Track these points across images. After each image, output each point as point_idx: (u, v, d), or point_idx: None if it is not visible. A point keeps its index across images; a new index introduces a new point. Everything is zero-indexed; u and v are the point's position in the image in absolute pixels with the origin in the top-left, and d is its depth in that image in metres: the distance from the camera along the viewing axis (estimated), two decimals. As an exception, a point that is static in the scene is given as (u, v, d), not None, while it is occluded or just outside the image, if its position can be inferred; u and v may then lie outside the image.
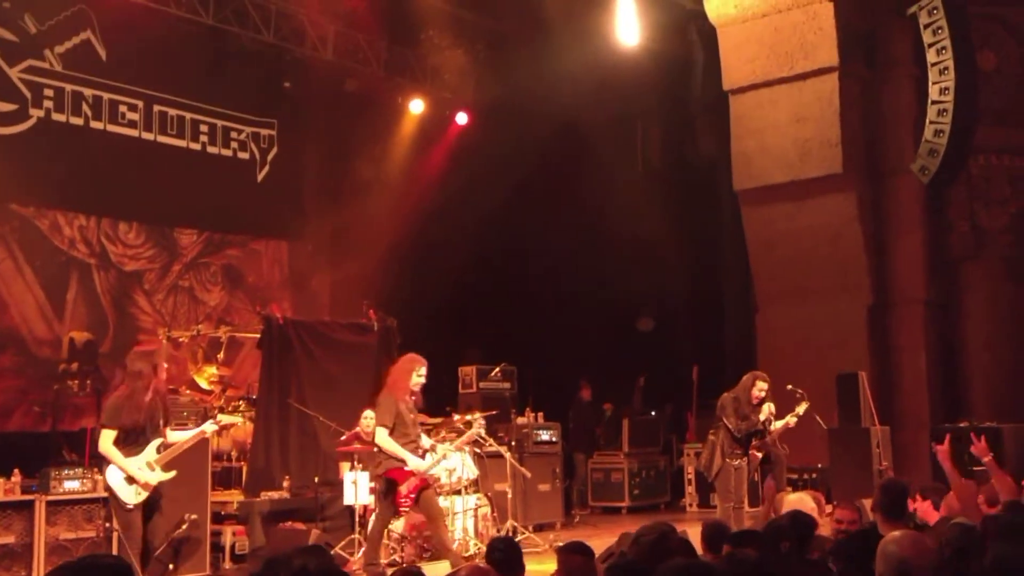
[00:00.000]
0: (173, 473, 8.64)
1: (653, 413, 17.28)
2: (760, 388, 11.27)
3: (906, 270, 15.18)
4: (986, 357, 15.15)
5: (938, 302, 15.30)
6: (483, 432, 10.99)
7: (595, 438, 16.74)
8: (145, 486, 8.37)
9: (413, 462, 9.38)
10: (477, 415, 11.38)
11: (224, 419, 9.47)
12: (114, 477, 8.39)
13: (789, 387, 11.91)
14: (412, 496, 9.40)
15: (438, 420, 12.85)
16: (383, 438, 9.44)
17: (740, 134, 15.80)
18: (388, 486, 9.45)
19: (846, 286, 15.14)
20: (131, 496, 8.36)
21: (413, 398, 9.73)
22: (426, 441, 9.99)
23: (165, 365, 8.98)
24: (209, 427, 9.15)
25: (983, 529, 5.71)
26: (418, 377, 9.67)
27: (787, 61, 15.09)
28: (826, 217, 15.16)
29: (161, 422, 8.67)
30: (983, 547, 5.27)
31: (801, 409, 11.53)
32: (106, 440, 8.38)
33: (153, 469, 8.44)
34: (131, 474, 8.34)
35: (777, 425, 11.38)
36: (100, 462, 8.68)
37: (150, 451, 8.47)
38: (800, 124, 15.11)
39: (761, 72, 15.38)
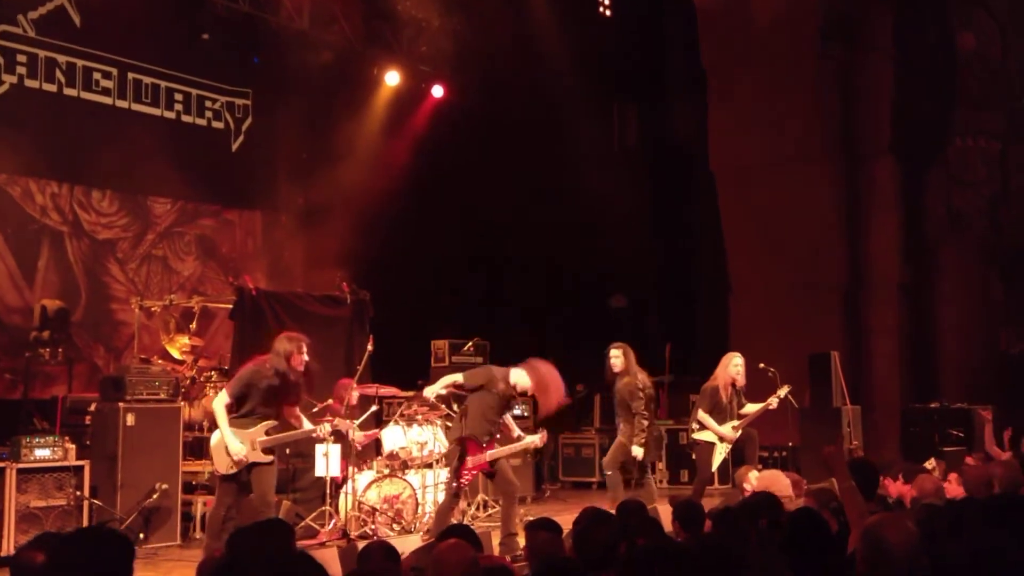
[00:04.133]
0: (271, 459, 8.56)
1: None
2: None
3: (881, 252, 15.25)
4: (959, 339, 15.25)
5: (912, 284, 15.37)
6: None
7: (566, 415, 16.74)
8: (237, 462, 8.35)
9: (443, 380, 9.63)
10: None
11: (340, 423, 9.48)
12: (214, 439, 8.51)
13: (761, 366, 11.94)
14: (475, 472, 9.36)
15: (410, 394, 12.83)
16: (448, 378, 9.70)
17: (717, 113, 15.80)
18: (459, 453, 9.37)
19: (821, 267, 15.21)
20: (223, 464, 8.41)
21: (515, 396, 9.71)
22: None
23: (305, 356, 8.67)
24: (323, 430, 9.05)
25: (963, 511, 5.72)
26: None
27: (766, 41, 15.10)
28: (802, 198, 15.20)
29: (286, 407, 8.66)
30: (958, 529, 5.31)
31: (782, 392, 11.47)
32: (218, 400, 8.49)
33: (254, 448, 8.40)
34: (227, 442, 8.33)
35: (756, 407, 11.39)
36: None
37: (258, 430, 8.46)
38: (778, 105, 15.13)
39: (740, 51, 15.38)
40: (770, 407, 11.49)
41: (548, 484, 15.57)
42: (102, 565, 3.63)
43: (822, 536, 4.83)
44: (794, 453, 14.10)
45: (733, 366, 11.33)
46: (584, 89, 17.47)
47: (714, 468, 11.42)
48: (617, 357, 10.88)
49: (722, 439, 11.19)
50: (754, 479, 9.09)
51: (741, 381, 11.36)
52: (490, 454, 9.40)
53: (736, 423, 11.24)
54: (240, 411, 8.47)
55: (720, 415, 11.24)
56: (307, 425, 8.94)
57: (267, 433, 8.48)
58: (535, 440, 9.98)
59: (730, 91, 15.77)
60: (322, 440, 9.43)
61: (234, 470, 8.40)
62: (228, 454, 8.37)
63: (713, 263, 17.45)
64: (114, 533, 4.08)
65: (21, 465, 9.46)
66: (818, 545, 4.72)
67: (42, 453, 9.62)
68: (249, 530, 4.65)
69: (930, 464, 9.98)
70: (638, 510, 6.32)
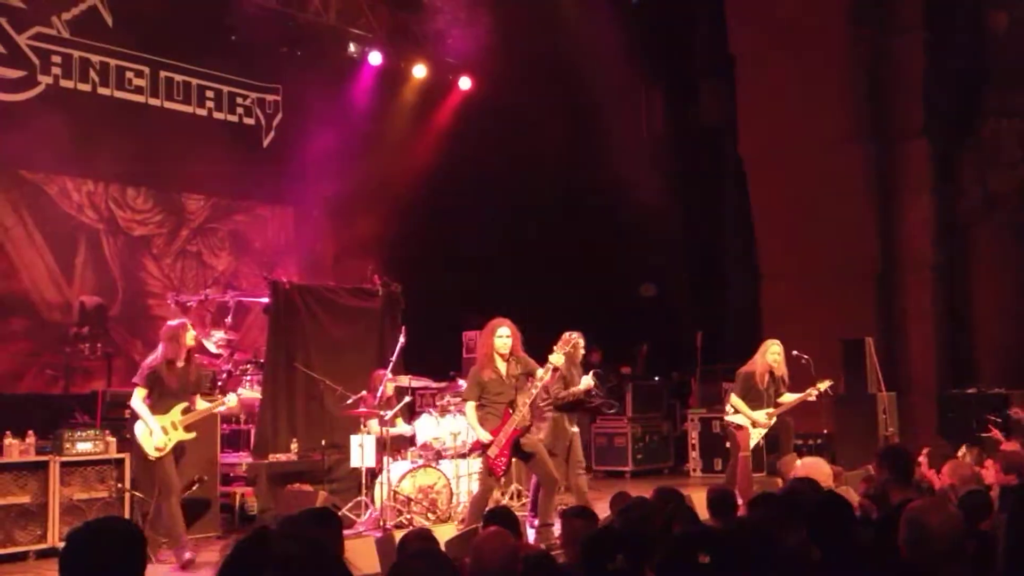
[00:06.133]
0: (193, 435, 9.41)
1: (657, 379, 17.31)
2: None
3: (914, 235, 15.15)
4: (994, 323, 15.12)
5: (946, 267, 15.26)
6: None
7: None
8: (160, 449, 9.15)
9: (480, 434, 9.30)
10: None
11: (245, 394, 9.79)
12: (139, 430, 9.18)
13: (795, 353, 11.89)
14: (504, 458, 9.27)
15: (443, 384, 12.93)
16: (468, 411, 9.46)
17: (746, 97, 15.75)
18: (481, 452, 9.48)
19: (853, 251, 15.12)
20: (151, 449, 9.13)
21: (511, 359, 9.47)
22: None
23: (192, 333, 9.58)
24: (231, 400, 9.86)
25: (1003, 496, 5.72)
26: (499, 339, 9.41)
27: (795, 23, 15.02)
28: (834, 181, 15.12)
29: (191, 388, 9.48)
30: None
31: (823, 386, 11.40)
32: (136, 396, 9.24)
33: (176, 428, 9.23)
34: (151, 430, 9.10)
35: (793, 398, 11.36)
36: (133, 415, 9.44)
37: (175, 412, 9.27)
38: (808, 87, 15.06)
39: (769, 34, 15.31)
40: (808, 398, 11.43)
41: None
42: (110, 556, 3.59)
43: (848, 520, 4.85)
44: (829, 440, 14.03)
45: (771, 354, 11.30)
46: (611, 76, 17.45)
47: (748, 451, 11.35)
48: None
49: (755, 424, 11.16)
50: (794, 466, 9.07)
51: (780, 369, 11.33)
52: (503, 431, 9.22)
53: (771, 410, 11.21)
54: (155, 402, 9.23)
55: (755, 402, 11.21)
56: (206, 404, 9.62)
57: (183, 413, 9.30)
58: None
59: (759, 75, 15.71)
60: (231, 412, 10.26)
61: (161, 453, 9.13)
62: (152, 439, 9.13)
63: (744, 249, 17.40)
64: (127, 527, 4.03)
65: (64, 458, 9.68)
66: (844, 529, 4.75)
67: (84, 446, 9.84)
68: (301, 518, 4.74)
69: (960, 452, 9.92)
70: (675, 496, 6.37)
